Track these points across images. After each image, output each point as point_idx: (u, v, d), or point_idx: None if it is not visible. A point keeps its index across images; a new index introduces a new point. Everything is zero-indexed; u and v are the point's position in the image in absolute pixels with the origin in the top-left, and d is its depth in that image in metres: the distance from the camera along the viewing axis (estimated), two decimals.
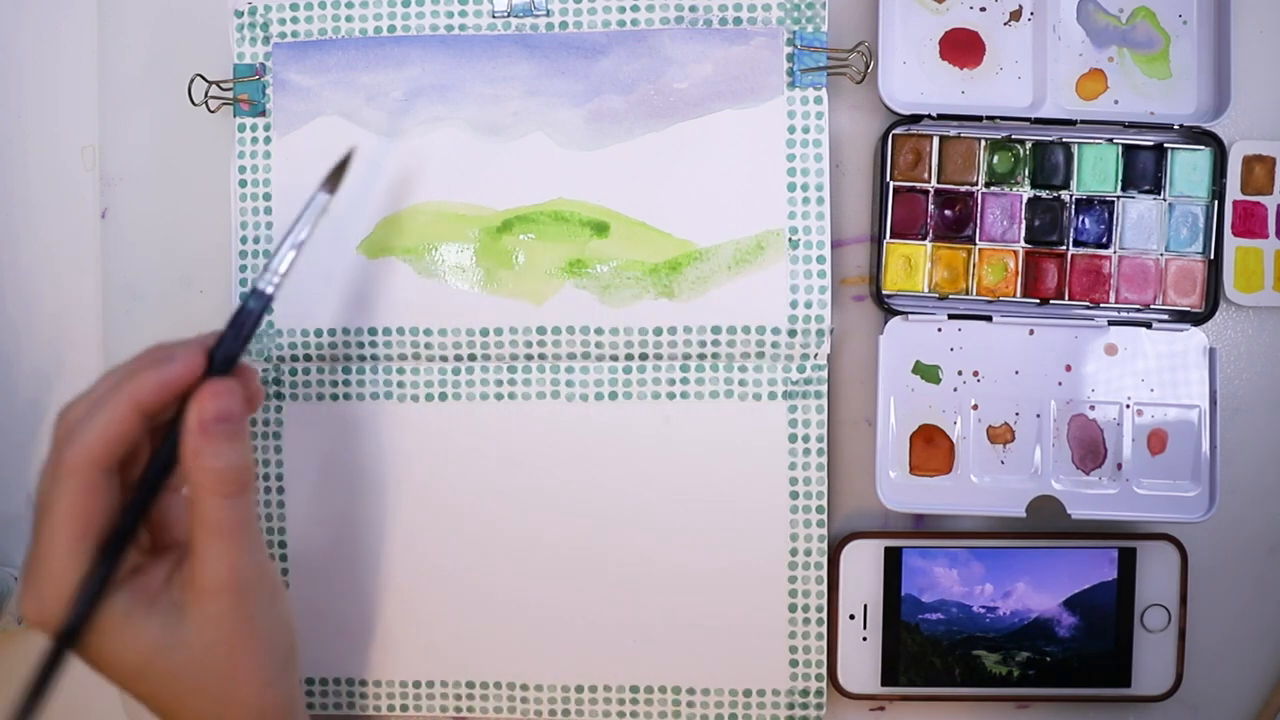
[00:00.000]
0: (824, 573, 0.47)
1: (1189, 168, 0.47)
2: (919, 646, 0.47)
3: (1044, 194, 0.47)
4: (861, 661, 0.47)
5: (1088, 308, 0.47)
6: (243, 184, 0.48)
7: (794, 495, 0.47)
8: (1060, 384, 0.47)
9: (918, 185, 0.47)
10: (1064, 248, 0.47)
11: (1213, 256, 0.47)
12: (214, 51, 0.49)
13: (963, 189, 0.47)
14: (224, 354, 0.38)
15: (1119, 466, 0.46)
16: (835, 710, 0.48)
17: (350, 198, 0.48)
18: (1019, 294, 0.47)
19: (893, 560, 0.47)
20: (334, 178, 0.42)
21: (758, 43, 0.47)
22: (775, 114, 0.47)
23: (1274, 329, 0.48)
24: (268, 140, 0.48)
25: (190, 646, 0.36)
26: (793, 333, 0.47)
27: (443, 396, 0.48)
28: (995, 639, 0.47)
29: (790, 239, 0.47)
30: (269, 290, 0.40)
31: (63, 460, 0.36)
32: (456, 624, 0.48)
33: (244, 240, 0.48)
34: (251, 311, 0.39)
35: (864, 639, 0.47)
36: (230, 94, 0.48)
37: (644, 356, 0.47)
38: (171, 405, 0.38)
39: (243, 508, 0.37)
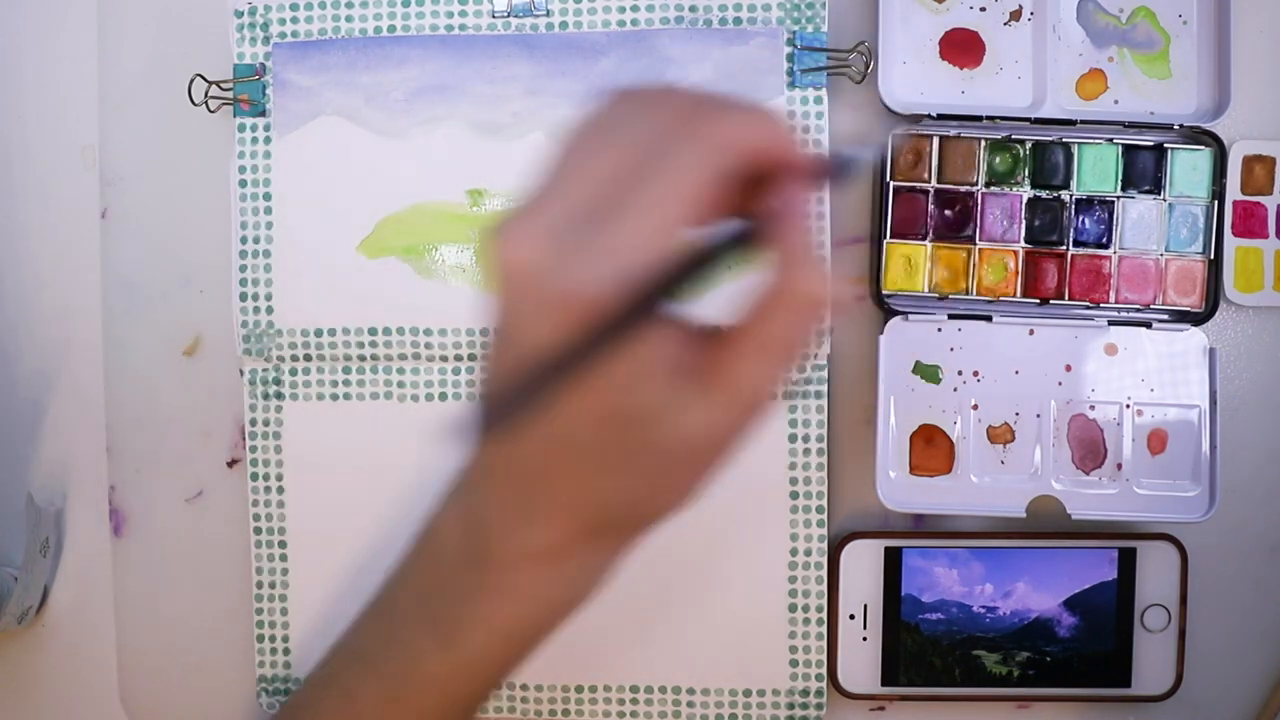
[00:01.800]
0: (824, 573, 0.47)
1: (1189, 168, 0.47)
2: (919, 646, 0.47)
3: (1044, 194, 0.47)
4: (861, 661, 0.47)
5: (1088, 308, 0.47)
6: (243, 184, 0.48)
7: (794, 495, 0.47)
8: (1060, 384, 0.47)
9: (918, 185, 0.47)
10: (1064, 248, 0.47)
11: (1213, 256, 0.47)
12: (214, 51, 0.49)
13: (963, 189, 0.47)
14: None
15: (1119, 466, 0.46)
16: (835, 710, 0.48)
17: (350, 198, 0.48)
18: (1019, 294, 0.47)
19: (893, 560, 0.47)
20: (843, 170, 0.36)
21: (758, 43, 0.47)
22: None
23: (1274, 329, 0.48)
24: (268, 140, 0.48)
25: (680, 430, 0.31)
26: None
27: (443, 396, 0.48)
28: (995, 639, 0.47)
29: None
30: (863, 156, 0.35)
31: (698, 130, 0.29)
32: None
33: (244, 240, 0.48)
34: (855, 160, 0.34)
35: (864, 639, 0.47)
36: (230, 94, 0.48)
37: None
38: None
39: (806, 341, 0.32)
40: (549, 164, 0.31)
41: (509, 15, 0.48)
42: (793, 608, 0.47)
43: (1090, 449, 0.47)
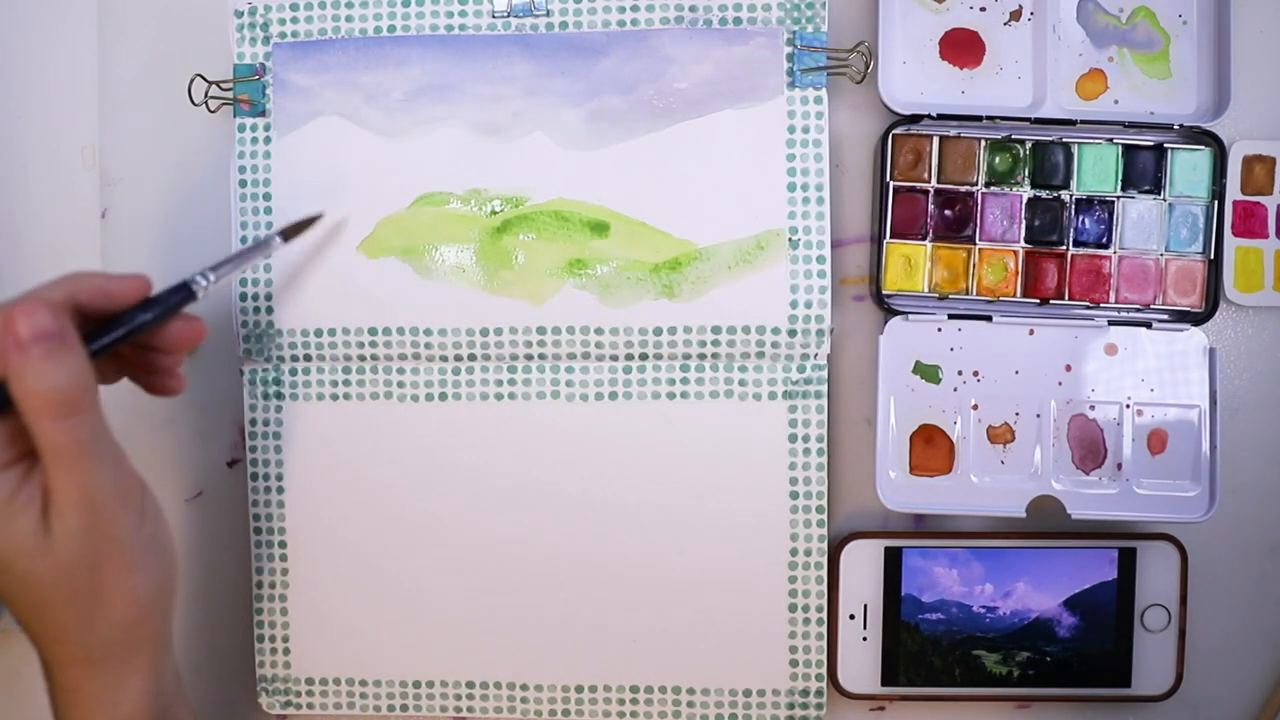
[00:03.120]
0: (824, 573, 0.47)
1: (1189, 168, 0.47)
2: (919, 646, 0.47)
3: (1044, 194, 0.47)
4: (861, 661, 0.47)
5: (1088, 308, 0.47)
6: (243, 184, 0.48)
7: (794, 495, 0.47)
8: (1060, 384, 0.47)
9: (918, 185, 0.47)
10: (1064, 248, 0.47)
11: (1213, 256, 0.47)
12: (214, 51, 0.49)
13: (963, 189, 0.47)
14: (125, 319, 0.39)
15: (1119, 466, 0.46)
16: (835, 710, 0.48)
17: (350, 198, 0.48)
18: (1019, 294, 0.47)
19: (893, 560, 0.47)
20: (294, 231, 0.46)
21: (758, 43, 0.47)
22: (775, 114, 0.47)
23: (1274, 329, 0.48)
24: (268, 140, 0.48)
25: (55, 557, 0.36)
26: (793, 333, 0.47)
27: (443, 396, 0.48)
28: (995, 639, 0.47)
29: (790, 239, 0.47)
30: (198, 292, 0.41)
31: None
32: (456, 624, 0.48)
33: (244, 240, 0.48)
34: (170, 300, 0.40)
35: (864, 639, 0.47)
36: (230, 94, 0.48)
37: (644, 356, 0.47)
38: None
39: (80, 428, 0.35)
40: None
41: (509, 15, 0.48)
42: (793, 608, 0.47)
43: (1090, 449, 0.47)
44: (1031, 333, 0.47)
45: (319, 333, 0.48)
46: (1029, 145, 0.47)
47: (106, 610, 0.38)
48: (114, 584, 0.37)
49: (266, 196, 0.48)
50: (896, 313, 0.47)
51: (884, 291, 0.47)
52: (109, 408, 0.51)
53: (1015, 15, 0.47)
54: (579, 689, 0.48)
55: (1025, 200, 0.47)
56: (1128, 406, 0.47)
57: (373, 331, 0.48)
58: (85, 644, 0.38)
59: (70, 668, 0.39)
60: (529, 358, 0.48)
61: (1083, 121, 0.46)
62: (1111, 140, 0.47)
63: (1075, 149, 0.47)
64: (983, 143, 0.47)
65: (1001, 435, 0.47)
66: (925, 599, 0.47)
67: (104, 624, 0.38)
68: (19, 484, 0.36)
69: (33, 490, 0.36)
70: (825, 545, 0.47)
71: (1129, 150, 0.47)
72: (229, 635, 0.50)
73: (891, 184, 0.47)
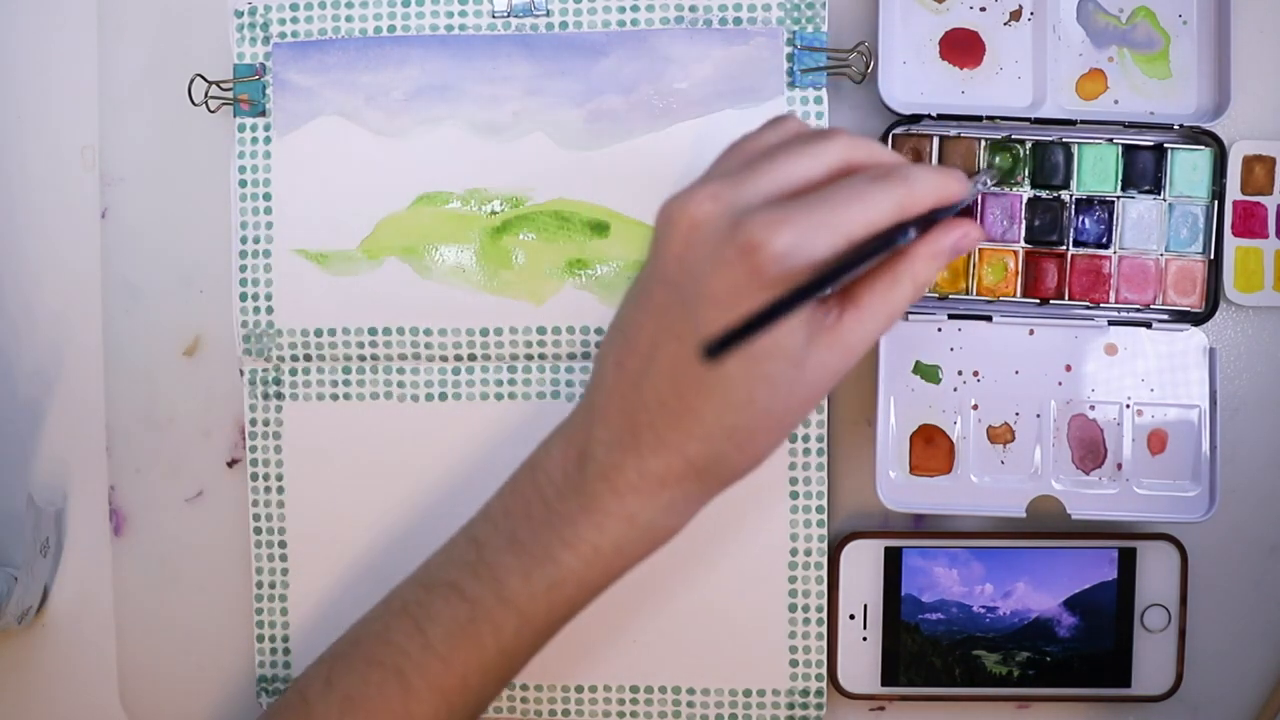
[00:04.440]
0: (824, 573, 0.47)
1: (1189, 168, 0.47)
2: (919, 646, 0.47)
3: (1044, 194, 0.47)
4: (861, 661, 0.47)
5: (1088, 308, 0.47)
6: (243, 184, 0.48)
7: (794, 495, 0.47)
8: (1060, 384, 0.47)
9: None
10: (1064, 248, 0.47)
11: (1213, 256, 0.47)
12: (214, 51, 0.49)
13: None
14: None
15: (1119, 466, 0.46)
16: (835, 710, 0.48)
17: (350, 198, 0.48)
18: (1019, 294, 0.47)
19: (893, 560, 0.47)
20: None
21: (758, 43, 0.47)
22: (775, 114, 0.47)
23: (1274, 329, 0.48)
24: (268, 140, 0.48)
25: (802, 374, 0.36)
26: None
27: (443, 396, 0.48)
28: (995, 639, 0.47)
29: None
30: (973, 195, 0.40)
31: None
32: None
33: (244, 240, 0.48)
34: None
35: (864, 639, 0.47)
36: (230, 94, 0.48)
37: None
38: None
39: (931, 280, 0.38)
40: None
41: (509, 15, 0.48)
42: (793, 608, 0.47)
43: (1090, 449, 0.47)
44: (1031, 333, 0.47)
45: (319, 333, 0.48)
46: (1029, 145, 0.47)
47: (753, 445, 0.37)
48: (802, 414, 0.37)
49: (266, 196, 0.48)
50: None
51: None
52: (102, 412, 0.51)
53: (1015, 15, 0.47)
54: (579, 689, 0.48)
55: (1025, 200, 0.47)
56: (1128, 406, 0.47)
57: (373, 331, 0.48)
58: (705, 455, 0.37)
59: (670, 459, 0.37)
60: (529, 358, 0.48)
61: (1083, 121, 0.46)
62: (1111, 140, 0.47)
63: (1075, 149, 0.47)
64: (983, 143, 0.47)
65: (1001, 435, 0.47)
66: (925, 599, 0.47)
67: (772, 437, 0.37)
68: (824, 319, 0.36)
69: (817, 320, 0.36)
70: (825, 545, 0.47)
71: (1129, 150, 0.47)
72: (229, 635, 0.50)
73: None
